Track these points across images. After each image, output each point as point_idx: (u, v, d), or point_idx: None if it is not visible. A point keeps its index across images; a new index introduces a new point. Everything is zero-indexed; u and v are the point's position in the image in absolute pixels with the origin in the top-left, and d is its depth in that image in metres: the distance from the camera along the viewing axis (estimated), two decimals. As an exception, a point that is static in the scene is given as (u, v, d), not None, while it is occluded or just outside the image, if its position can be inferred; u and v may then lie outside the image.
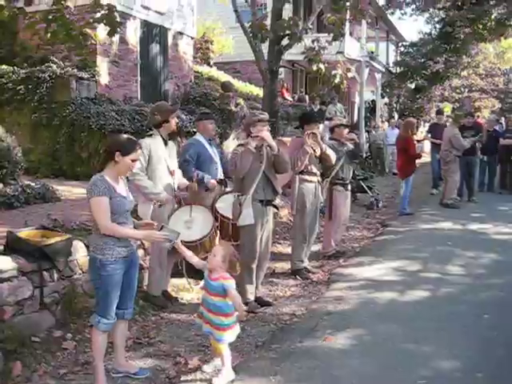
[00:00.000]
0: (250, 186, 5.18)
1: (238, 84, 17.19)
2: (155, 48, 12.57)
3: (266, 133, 5.19)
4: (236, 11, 10.57)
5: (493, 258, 6.91)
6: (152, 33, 12.23)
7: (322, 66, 7.71)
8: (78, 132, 9.81)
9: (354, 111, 23.06)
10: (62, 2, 6.07)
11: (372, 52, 22.11)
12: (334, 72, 8.07)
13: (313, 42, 7.84)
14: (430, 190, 12.49)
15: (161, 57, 12.76)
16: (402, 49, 25.47)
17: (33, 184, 7.66)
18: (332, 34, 7.32)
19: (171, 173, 5.32)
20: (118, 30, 5.82)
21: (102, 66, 10.94)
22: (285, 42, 10.64)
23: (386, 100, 23.95)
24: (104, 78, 10.98)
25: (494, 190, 12.52)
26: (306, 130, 6.25)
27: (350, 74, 8.85)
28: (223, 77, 17.26)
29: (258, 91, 18.22)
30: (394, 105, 23.54)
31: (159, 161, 5.18)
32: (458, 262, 6.75)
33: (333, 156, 6.47)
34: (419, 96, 22.70)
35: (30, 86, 9.95)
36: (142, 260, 5.85)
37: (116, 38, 10.05)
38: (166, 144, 5.30)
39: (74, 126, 9.83)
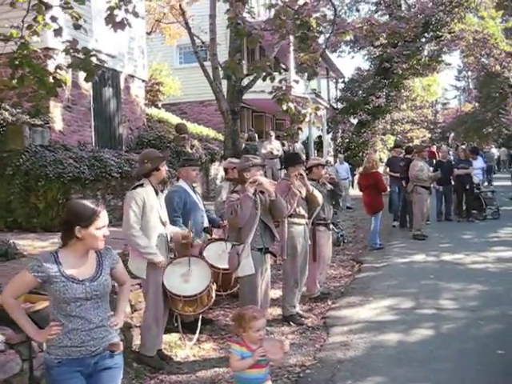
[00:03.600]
0: (248, 234, 4.95)
1: (188, 125, 17.04)
2: (108, 92, 12.24)
3: (263, 178, 5.01)
4: (196, 53, 10.49)
5: (479, 289, 6.92)
6: (104, 76, 11.91)
7: (291, 105, 7.63)
8: (34, 181, 9.30)
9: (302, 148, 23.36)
10: (30, 46, 5.72)
11: (314, 89, 22.59)
12: (303, 111, 8.06)
13: (280, 81, 7.77)
14: (391, 223, 12.62)
15: (114, 100, 12.43)
16: (342, 85, 26.27)
17: (-10, 240, 7.10)
18: (306, 74, 7.29)
19: (163, 223, 5.01)
20: (96, 75, 5.50)
21: (55, 111, 10.49)
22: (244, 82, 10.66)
23: (331, 135, 24.49)
24: (58, 124, 10.52)
25: (451, 219, 12.83)
26: (291, 171, 6.11)
27: (319, 113, 8.91)
28: (172, 118, 17.07)
29: (208, 131, 18.15)
30: (340, 139, 24.06)
31: (152, 211, 4.86)
32: (447, 295, 6.71)
33: (320, 197, 6.36)
34: (364, 130, 23.35)
35: (-21, 135, 9.38)
36: (129, 317, 5.48)
37: (68, 82, 9.70)
38: (156, 193, 4.99)
39: (29, 176, 9.31)
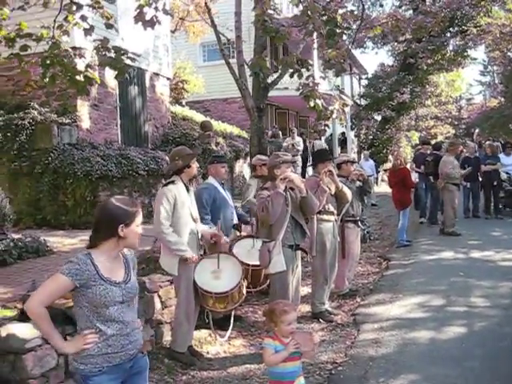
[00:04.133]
0: (279, 231, 4.94)
1: (212, 122, 17.10)
2: (133, 90, 12.33)
3: (293, 174, 5.00)
4: (222, 50, 10.50)
5: (510, 287, 6.80)
6: (130, 75, 11.99)
7: (318, 101, 7.59)
8: (63, 179, 9.43)
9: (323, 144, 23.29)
10: (61, 46, 5.79)
11: (338, 86, 22.47)
12: (331, 107, 8.01)
13: (307, 78, 7.73)
14: (418, 220, 12.48)
15: (139, 99, 12.52)
16: (366, 81, 26.05)
17: (22, 237, 7.22)
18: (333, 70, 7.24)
19: (195, 220, 5.03)
20: (126, 73, 5.54)
21: (83, 110, 10.60)
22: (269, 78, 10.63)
23: (355, 132, 24.34)
24: (85, 123, 10.63)
25: (479, 216, 12.65)
26: (321, 168, 6.07)
27: (346, 109, 8.86)
28: (196, 116, 17.14)
29: (232, 129, 18.18)
30: (364, 136, 23.89)
31: (183, 208, 4.88)
32: (478, 293, 6.62)
33: (349, 193, 6.32)
34: (388, 126, 23.13)
35: (9, 134, 9.53)
36: (159, 314, 5.52)
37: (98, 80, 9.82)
38: (187, 190, 5.01)
39: (58, 174, 9.44)
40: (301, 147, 16.23)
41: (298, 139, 16.33)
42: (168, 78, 14.25)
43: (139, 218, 2.85)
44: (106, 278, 2.73)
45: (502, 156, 13.27)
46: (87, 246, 2.84)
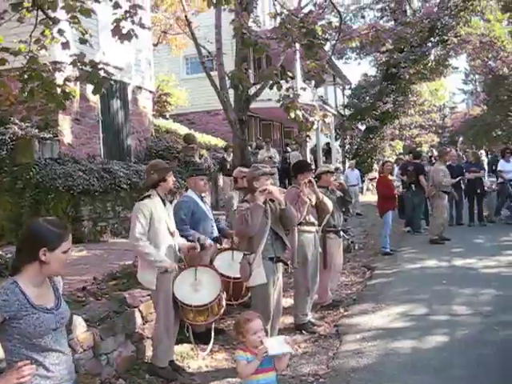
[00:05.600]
0: (259, 243, 4.92)
1: (196, 135, 17.12)
2: (116, 104, 12.31)
3: (272, 187, 5.00)
4: (203, 63, 10.53)
5: (493, 294, 6.84)
6: (112, 88, 11.97)
7: (299, 112, 7.62)
8: (44, 194, 9.37)
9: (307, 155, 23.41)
10: (38, 60, 5.77)
11: (321, 96, 22.60)
12: (311, 118, 8.05)
13: (287, 89, 7.77)
14: (402, 228, 12.55)
15: (122, 112, 12.50)
16: (349, 91, 26.26)
17: (3, 253, 7.12)
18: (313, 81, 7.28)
19: (172, 234, 5.01)
20: (103, 88, 5.53)
21: (64, 124, 10.56)
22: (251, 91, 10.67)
23: (340, 142, 24.48)
24: (67, 137, 10.59)
25: (462, 223, 12.74)
26: (301, 179, 6.07)
27: (326, 120, 8.89)
28: (180, 129, 17.15)
29: (216, 141, 18.20)
30: (348, 146, 24.04)
31: (160, 222, 4.86)
32: (460, 300, 6.64)
33: (330, 204, 6.33)
34: (372, 136, 23.31)
35: (-11, 150, 9.45)
36: (140, 329, 5.47)
37: (77, 94, 9.81)
38: (164, 204, 4.99)
39: (39, 189, 9.39)
40: (277, 159, 16.07)
41: (273, 151, 16.01)
42: (151, 91, 14.26)
43: (67, 244, 2.55)
44: (38, 306, 2.48)
45: (501, 162, 13.10)
46: (10, 272, 2.57)
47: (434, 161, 16.41)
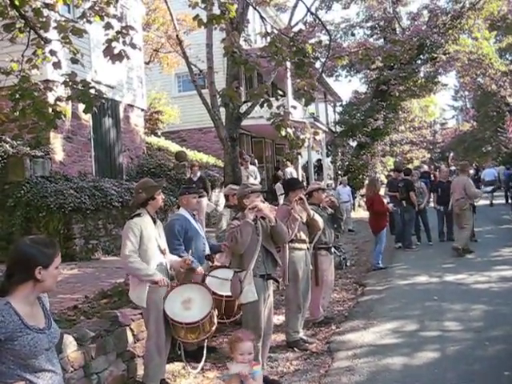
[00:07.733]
0: (250, 260, 4.93)
1: (187, 152, 17.18)
2: (107, 122, 12.36)
3: (262, 204, 5.03)
4: (194, 81, 10.61)
5: (483, 309, 6.87)
6: (104, 106, 12.03)
7: (289, 130, 7.66)
8: (35, 212, 9.37)
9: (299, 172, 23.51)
10: (30, 79, 5.81)
11: (313, 113, 22.78)
12: (302, 136, 8.10)
13: (278, 107, 7.82)
14: (393, 244, 12.58)
15: (113, 130, 12.55)
16: (340, 108, 26.48)
17: (-7, 273, 7.10)
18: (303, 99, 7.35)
19: (162, 252, 5.02)
20: (94, 106, 5.57)
21: (56, 142, 10.59)
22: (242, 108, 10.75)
23: (331, 159, 24.63)
24: (58, 155, 10.61)
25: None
26: (292, 196, 6.12)
27: (317, 137, 8.97)
28: (172, 146, 17.21)
29: (208, 158, 18.26)
30: (340, 162, 24.18)
31: (150, 240, 4.87)
32: (451, 316, 6.66)
33: (320, 221, 6.35)
34: (363, 152, 23.48)
35: (-20, 168, 9.46)
36: (132, 347, 5.44)
37: (68, 113, 9.84)
38: (154, 222, 5.01)
39: (31, 207, 9.38)
40: (258, 178, 14.15)
41: (252, 168, 14.44)
42: (142, 109, 14.33)
43: (58, 259, 2.61)
44: (32, 327, 2.49)
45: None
46: (0, 294, 2.53)
47: (432, 176, 16.64)
